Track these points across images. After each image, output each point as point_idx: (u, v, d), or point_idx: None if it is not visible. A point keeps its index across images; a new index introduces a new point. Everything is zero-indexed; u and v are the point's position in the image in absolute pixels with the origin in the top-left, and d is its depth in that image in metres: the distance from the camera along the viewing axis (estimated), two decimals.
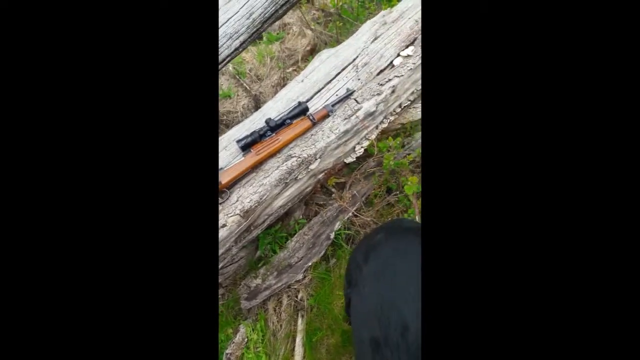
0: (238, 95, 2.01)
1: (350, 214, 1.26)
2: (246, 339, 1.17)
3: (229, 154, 1.11)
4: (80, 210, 0.43)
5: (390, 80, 1.13)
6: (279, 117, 1.08)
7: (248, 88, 2.02)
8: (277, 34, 2.35)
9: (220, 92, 2.04)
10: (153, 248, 0.45)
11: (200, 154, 0.49)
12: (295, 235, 1.31)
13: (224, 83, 2.12)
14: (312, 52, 2.16)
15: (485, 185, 0.47)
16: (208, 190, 0.50)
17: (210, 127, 0.50)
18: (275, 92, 1.94)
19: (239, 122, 1.73)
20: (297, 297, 1.22)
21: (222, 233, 0.99)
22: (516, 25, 0.48)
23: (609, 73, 0.45)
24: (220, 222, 0.99)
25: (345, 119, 1.09)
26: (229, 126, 1.69)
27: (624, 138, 0.44)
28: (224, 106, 1.91)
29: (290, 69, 2.06)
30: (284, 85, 1.97)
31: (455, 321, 0.46)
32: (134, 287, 0.44)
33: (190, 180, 0.48)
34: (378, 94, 1.11)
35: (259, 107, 1.41)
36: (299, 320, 1.18)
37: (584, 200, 0.44)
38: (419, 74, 1.19)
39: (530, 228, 0.45)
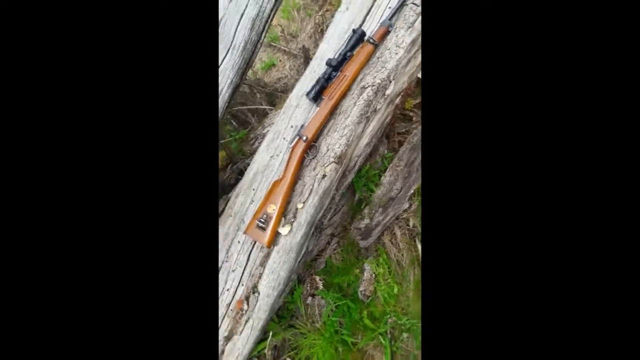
0: (281, 60, 1.98)
1: None
2: (374, 274, 1.24)
3: (302, 110, 1.11)
4: (95, 208, 0.46)
5: None
6: (338, 54, 1.03)
7: (287, 49, 1.98)
8: None
9: (262, 64, 2.04)
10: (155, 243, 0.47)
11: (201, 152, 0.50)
12: (387, 170, 1.30)
13: (263, 55, 2.10)
14: None
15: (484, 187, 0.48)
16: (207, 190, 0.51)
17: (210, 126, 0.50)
18: (316, 41, 1.86)
19: (294, 82, 1.72)
20: (408, 225, 1.24)
21: (324, 184, 1.03)
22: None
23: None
24: (320, 174, 1.03)
25: (409, 27, 0.99)
26: (285, 92, 1.70)
27: (623, 139, 0.43)
28: (272, 75, 1.92)
29: (321, 12, 1.93)
30: (322, 29, 1.87)
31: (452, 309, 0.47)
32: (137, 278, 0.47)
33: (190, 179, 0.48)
34: None
35: (310, 59, 1.36)
36: (418, 245, 1.20)
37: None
38: None
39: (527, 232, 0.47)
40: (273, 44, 2.05)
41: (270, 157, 1.11)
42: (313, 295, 1.31)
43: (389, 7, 1.04)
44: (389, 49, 0.99)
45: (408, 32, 0.99)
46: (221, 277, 1.05)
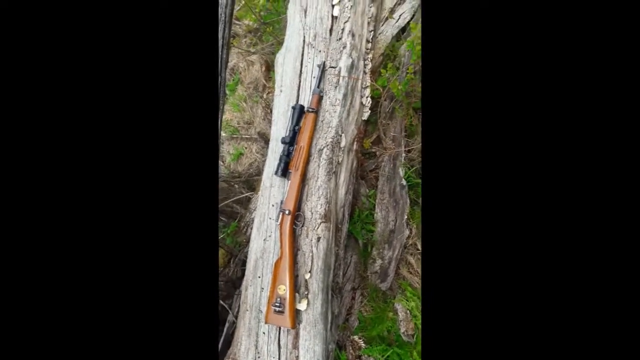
0: (246, 147, 2.13)
1: (403, 153, 1.27)
2: (408, 311, 1.21)
3: (276, 188, 1.19)
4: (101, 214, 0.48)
5: (343, 29, 1.14)
6: (288, 131, 1.14)
7: (248, 136, 2.14)
8: (233, 80, 2.47)
9: (231, 156, 2.18)
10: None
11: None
12: (376, 206, 1.35)
13: (230, 148, 2.26)
14: (269, 69, 2.23)
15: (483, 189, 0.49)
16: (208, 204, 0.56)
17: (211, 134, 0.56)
18: (269, 122, 2.03)
19: (264, 162, 1.84)
20: (418, 249, 1.25)
21: (322, 245, 1.06)
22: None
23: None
24: (314, 238, 1.07)
25: (336, 87, 1.12)
26: (259, 174, 1.80)
27: (622, 142, 0.41)
28: (243, 163, 2.05)
29: (265, 95, 2.14)
30: (271, 110, 2.06)
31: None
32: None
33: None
34: (344, 47, 1.13)
35: (269, 140, 1.49)
36: None
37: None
38: (361, 5, 1.19)
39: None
40: (234, 136, 2.22)
41: (264, 240, 1.15)
42: (359, 357, 1.25)
43: (314, 77, 1.19)
44: (327, 110, 1.11)
45: (336, 90, 1.12)
46: None
